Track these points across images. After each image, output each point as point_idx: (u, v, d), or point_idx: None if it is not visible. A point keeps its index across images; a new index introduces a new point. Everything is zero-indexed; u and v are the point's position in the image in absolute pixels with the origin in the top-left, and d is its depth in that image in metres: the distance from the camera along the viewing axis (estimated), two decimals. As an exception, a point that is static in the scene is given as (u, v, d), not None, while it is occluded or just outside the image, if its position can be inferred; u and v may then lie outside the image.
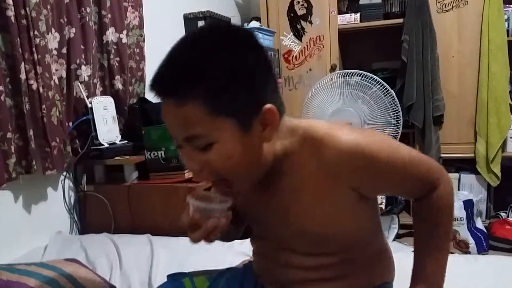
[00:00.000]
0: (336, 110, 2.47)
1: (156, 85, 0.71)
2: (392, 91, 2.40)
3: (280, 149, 0.78)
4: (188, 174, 1.83)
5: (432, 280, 0.83)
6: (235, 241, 1.63)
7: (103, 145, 1.88)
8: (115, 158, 1.88)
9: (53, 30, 1.75)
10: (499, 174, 2.74)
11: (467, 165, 2.89)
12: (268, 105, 0.71)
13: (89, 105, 1.85)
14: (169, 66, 0.71)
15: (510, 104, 2.73)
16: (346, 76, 2.44)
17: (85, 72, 1.90)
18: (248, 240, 1.60)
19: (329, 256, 0.84)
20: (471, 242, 2.46)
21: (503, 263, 1.34)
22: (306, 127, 0.78)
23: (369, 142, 0.75)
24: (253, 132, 0.71)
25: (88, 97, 1.89)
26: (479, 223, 2.61)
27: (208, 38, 0.72)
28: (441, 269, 0.83)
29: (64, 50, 1.82)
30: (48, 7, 1.70)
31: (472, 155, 2.83)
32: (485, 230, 2.57)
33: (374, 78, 2.38)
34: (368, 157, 0.73)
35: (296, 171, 0.78)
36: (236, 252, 1.53)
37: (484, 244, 2.47)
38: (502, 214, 2.76)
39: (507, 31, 2.72)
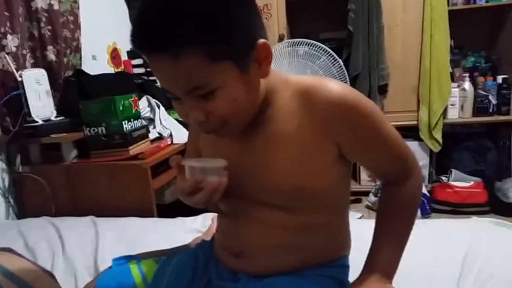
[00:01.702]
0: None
1: (143, 41, 0.65)
2: (340, 60, 2.39)
3: (270, 96, 0.78)
4: (133, 151, 1.74)
5: (385, 269, 0.82)
6: (186, 218, 1.59)
7: (37, 122, 1.74)
8: (51, 136, 1.75)
9: (-31, -6, 1.57)
10: (441, 140, 2.85)
11: (410, 132, 2.98)
12: (261, 40, 0.70)
13: (19, 79, 1.70)
14: (154, 16, 0.63)
15: (450, 72, 2.82)
16: (294, 45, 2.40)
17: (12, 42, 1.73)
18: (200, 217, 1.58)
19: (300, 214, 0.81)
20: (415, 206, 2.57)
21: (446, 226, 1.39)
22: (297, 78, 0.79)
23: (358, 98, 0.75)
24: (251, 70, 0.70)
25: (17, 70, 1.73)
26: (422, 188, 2.71)
27: None
28: (397, 259, 0.83)
29: (-16, 18, 1.64)
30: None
31: (415, 122, 2.92)
32: (428, 194, 2.69)
33: (322, 48, 2.36)
34: (355, 110, 0.73)
35: (283, 121, 0.77)
36: (188, 229, 1.49)
37: (427, 207, 2.59)
38: (443, 178, 2.89)
39: (447, 0, 2.78)
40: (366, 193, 2.91)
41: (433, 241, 1.27)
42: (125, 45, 2.73)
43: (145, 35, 0.64)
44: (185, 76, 0.65)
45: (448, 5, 2.78)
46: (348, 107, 0.73)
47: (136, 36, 0.65)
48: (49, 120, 1.80)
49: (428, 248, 1.22)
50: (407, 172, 0.83)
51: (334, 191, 0.83)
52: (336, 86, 0.74)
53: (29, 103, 1.72)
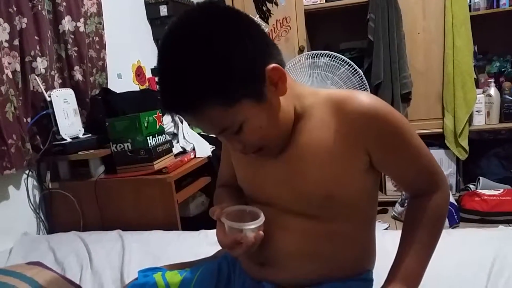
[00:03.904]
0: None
1: (168, 106, 0.74)
2: (360, 70, 2.39)
3: (300, 108, 0.81)
4: (157, 166, 1.78)
5: (409, 280, 0.81)
6: (210, 230, 1.60)
7: (66, 139, 1.80)
8: (79, 152, 1.81)
9: (1, 20, 1.65)
10: (467, 148, 2.79)
11: (435, 140, 2.92)
12: (270, 66, 0.72)
13: (48, 99, 1.77)
14: (170, 85, 0.71)
15: (474, 78, 2.77)
16: (314, 57, 2.41)
17: (41, 64, 1.80)
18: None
19: (328, 222, 0.82)
20: (443, 215, 2.51)
21: (474, 235, 1.36)
22: (327, 91, 0.83)
23: (390, 110, 0.77)
24: (269, 95, 0.74)
25: (46, 90, 1.80)
26: (450, 197, 2.65)
27: (191, 36, 0.68)
28: (421, 271, 0.82)
29: (16, 42, 1.72)
30: (-6, -4, 1.59)
31: (441, 130, 2.87)
32: (456, 203, 2.62)
33: (342, 59, 2.36)
34: (386, 121, 0.76)
35: (315, 130, 0.80)
36: (212, 242, 1.49)
37: (455, 216, 2.52)
38: (471, 186, 2.81)
39: (469, 6, 2.75)
40: (392, 203, 2.86)
41: (459, 251, 1.25)
42: (149, 63, 2.81)
43: (167, 102, 0.73)
44: (211, 124, 0.73)
45: (470, 11, 2.75)
46: (379, 118, 0.75)
47: (162, 101, 0.74)
48: (77, 137, 1.86)
49: (454, 258, 1.20)
50: (434, 186, 0.84)
51: (363, 201, 0.84)
52: (367, 98, 0.77)
53: (57, 122, 1.78)
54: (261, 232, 0.79)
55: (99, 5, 2.19)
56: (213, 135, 0.79)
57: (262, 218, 0.80)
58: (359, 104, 0.76)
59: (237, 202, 0.92)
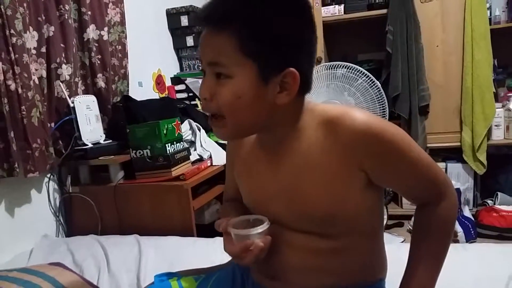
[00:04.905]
0: (323, 103, 2.45)
1: (203, 13, 0.76)
2: (378, 82, 2.39)
3: (296, 126, 0.80)
4: (175, 172, 1.81)
5: None
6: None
7: (87, 145, 1.84)
8: (99, 158, 1.85)
9: (30, 28, 1.71)
10: (485, 162, 2.76)
11: (453, 154, 2.90)
12: (292, 69, 0.73)
13: (71, 105, 1.82)
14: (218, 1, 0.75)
15: (493, 92, 2.75)
16: (331, 68, 2.43)
17: (66, 71, 1.86)
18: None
19: (332, 239, 0.82)
20: (459, 230, 2.48)
21: (491, 251, 1.35)
22: (323, 108, 0.82)
23: (383, 126, 0.76)
24: (269, 88, 0.74)
25: (70, 96, 1.85)
26: (467, 212, 2.62)
27: None
28: (432, 281, 0.82)
29: (43, 49, 1.78)
30: (25, 5, 1.65)
31: (458, 144, 2.85)
32: (473, 218, 2.59)
33: (359, 70, 2.38)
34: (379, 137, 0.75)
35: (310, 150, 0.79)
36: (226, 249, 1.52)
37: (472, 232, 2.49)
38: (489, 201, 2.78)
39: (490, 19, 2.74)
40: (408, 217, 2.84)
41: (475, 266, 1.24)
42: (169, 72, 2.86)
43: (205, 12, 0.76)
44: (215, 48, 0.74)
45: (490, 24, 2.73)
46: (373, 135, 0.74)
47: (200, 13, 0.77)
48: (98, 143, 1.90)
49: (470, 273, 1.19)
50: (440, 195, 0.83)
51: (366, 216, 0.83)
52: (360, 115, 0.75)
53: (80, 128, 1.83)
54: (269, 236, 0.79)
55: (122, 14, 2.25)
56: (203, 68, 0.79)
57: (267, 223, 0.80)
58: (351, 123, 0.75)
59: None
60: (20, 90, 1.58)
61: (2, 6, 1.51)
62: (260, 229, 0.79)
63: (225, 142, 2.23)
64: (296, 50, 0.75)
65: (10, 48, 1.55)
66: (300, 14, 0.75)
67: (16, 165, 1.57)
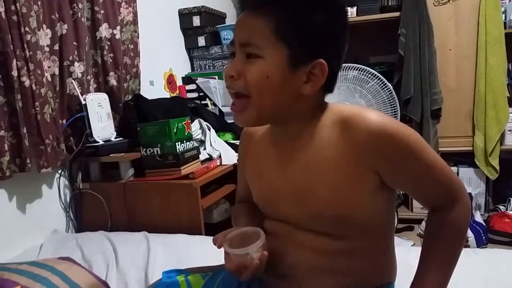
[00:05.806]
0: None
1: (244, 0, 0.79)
2: (390, 85, 2.38)
3: (312, 122, 0.81)
4: (184, 171, 1.81)
5: None
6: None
7: (98, 142, 1.86)
8: (110, 155, 1.86)
9: (44, 26, 1.73)
10: (498, 167, 2.73)
11: (465, 158, 2.87)
12: (322, 60, 0.74)
13: (83, 102, 1.84)
14: None
15: (507, 96, 2.71)
16: (343, 70, 2.42)
17: (78, 68, 1.88)
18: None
19: (341, 240, 0.82)
20: (470, 236, 2.45)
21: (502, 256, 1.33)
22: (338, 107, 0.82)
23: (397, 127, 0.76)
24: (296, 75, 0.75)
25: (82, 94, 1.87)
26: (478, 217, 2.59)
27: None
28: (442, 287, 0.81)
29: (56, 47, 1.80)
30: (39, 3, 1.67)
31: (471, 148, 2.82)
32: (484, 224, 2.56)
33: (371, 72, 2.36)
34: (394, 139, 0.74)
35: (322, 149, 0.79)
36: (234, 249, 1.52)
37: (483, 237, 2.46)
38: (501, 207, 2.74)
39: (504, 23, 2.71)
40: (418, 221, 2.81)
41: (486, 270, 1.22)
42: (180, 71, 2.88)
43: None
44: (251, 30, 0.75)
45: (505, 28, 2.70)
46: (387, 137, 0.74)
47: None
48: (109, 140, 1.92)
49: (481, 278, 1.18)
50: (453, 199, 0.82)
51: (377, 219, 0.83)
52: (375, 116, 0.75)
53: (91, 125, 1.84)
54: (265, 252, 0.80)
55: (135, 13, 2.26)
56: (233, 51, 0.80)
57: (261, 239, 0.80)
58: (365, 123, 0.74)
59: (254, 218, 0.95)
60: (34, 87, 1.60)
61: (17, 4, 1.54)
62: (254, 247, 0.79)
63: (235, 142, 2.24)
64: (329, 44, 0.76)
65: (25, 45, 1.57)
66: (338, 12, 0.77)
67: (28, 161, 1.59)
